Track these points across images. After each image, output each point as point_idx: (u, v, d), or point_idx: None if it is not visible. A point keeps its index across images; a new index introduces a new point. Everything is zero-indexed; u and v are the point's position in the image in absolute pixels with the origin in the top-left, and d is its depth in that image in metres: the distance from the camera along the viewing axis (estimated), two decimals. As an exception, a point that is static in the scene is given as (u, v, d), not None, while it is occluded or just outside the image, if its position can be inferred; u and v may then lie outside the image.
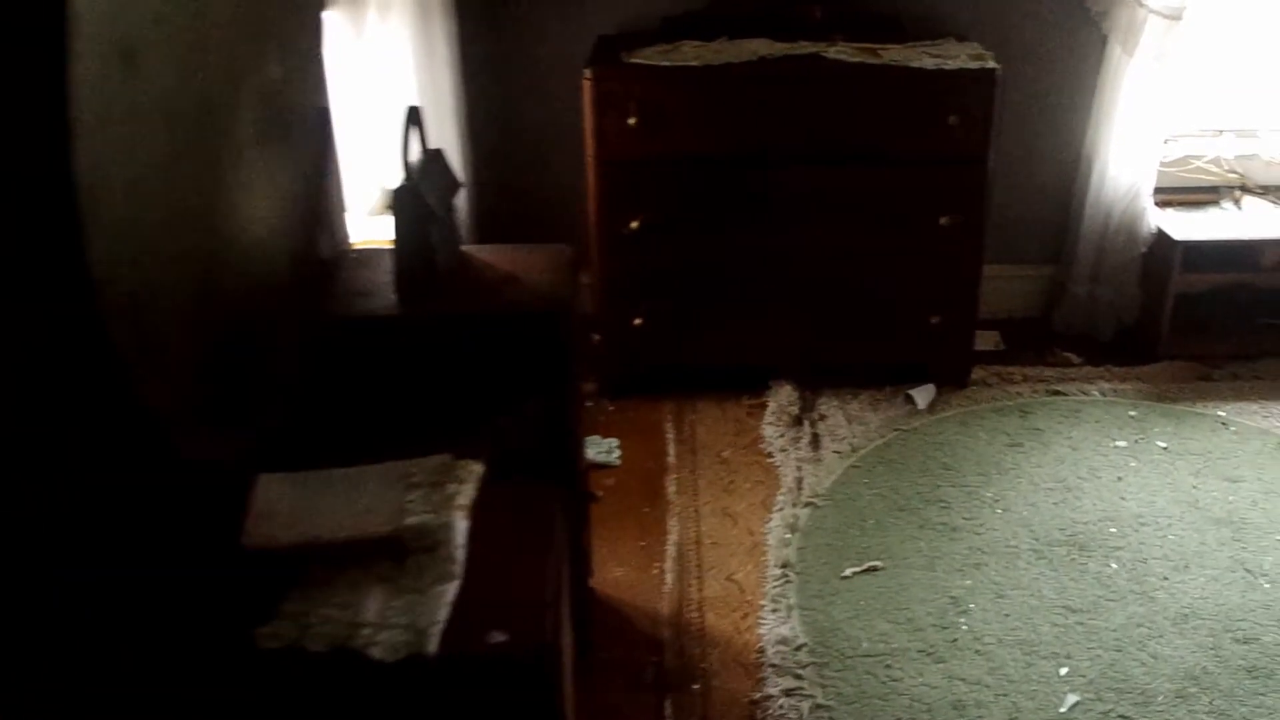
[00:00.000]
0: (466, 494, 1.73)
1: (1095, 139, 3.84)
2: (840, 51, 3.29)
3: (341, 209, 2.37)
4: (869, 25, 3.50)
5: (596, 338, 2.15)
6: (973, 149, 3.23)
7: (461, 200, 2.84)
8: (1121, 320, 4.00)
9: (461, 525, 1.68)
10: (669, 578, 2.82)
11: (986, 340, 3.93)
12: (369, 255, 2.34)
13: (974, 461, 3.25)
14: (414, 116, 2.16)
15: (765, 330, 3.44)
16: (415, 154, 2.15)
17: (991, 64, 3.21)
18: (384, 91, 3.15)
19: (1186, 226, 3.74)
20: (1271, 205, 3.96)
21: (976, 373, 3.68)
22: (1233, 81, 4.03)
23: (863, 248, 3.34)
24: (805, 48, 3.29)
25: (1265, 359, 3.86)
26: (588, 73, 3.08)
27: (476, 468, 1.80)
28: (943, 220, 3.30)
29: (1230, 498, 3.11)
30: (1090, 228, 3.89)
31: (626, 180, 3.18)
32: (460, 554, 1.63)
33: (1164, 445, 3.35)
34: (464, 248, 2.37)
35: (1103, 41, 3.73)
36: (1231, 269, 3.77)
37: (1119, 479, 3.19)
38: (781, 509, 3.04)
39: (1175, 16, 3.58)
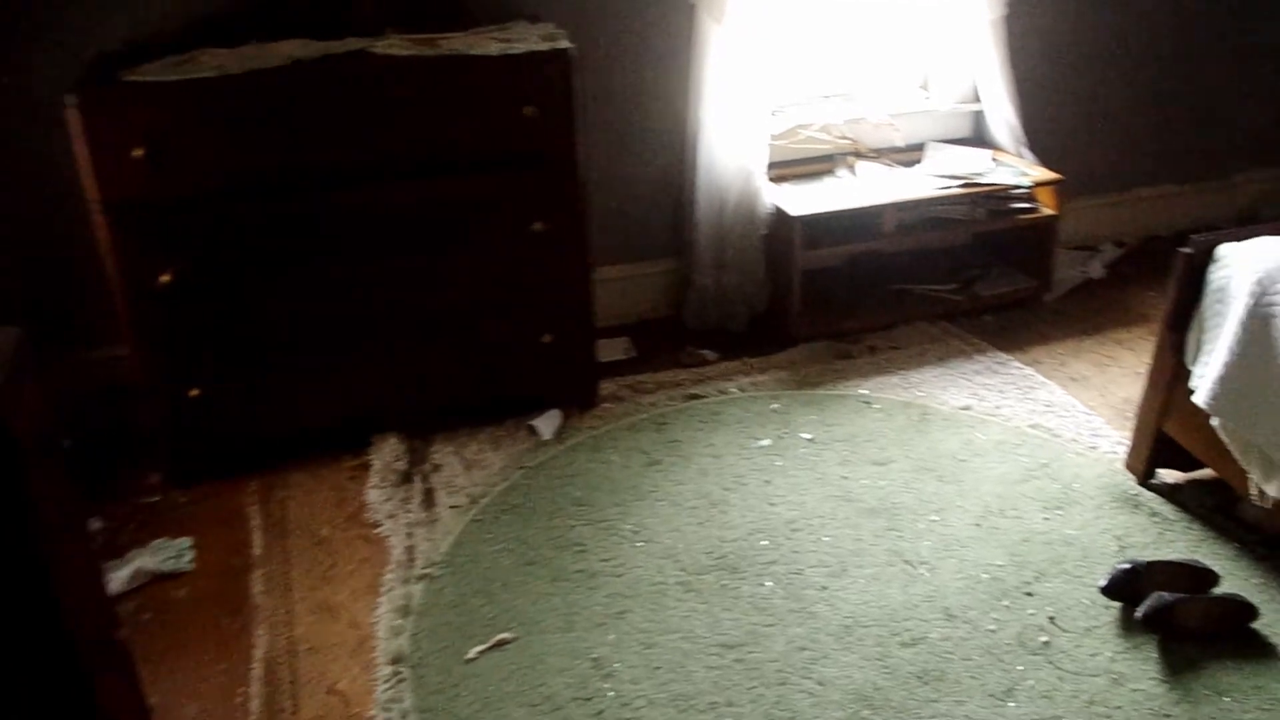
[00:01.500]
0: None
1: (698, 119, 3.63)
2: (391, 45, 2.89)
3: None
4: (428, 14, 3.13)
5: (67, 443, 1.66)
6: (557, 142, 2.92)
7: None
8: (753, 308, 3.84)
9: None
10: (255, 704, 2.34)
11: (614, 349, 3.66)
12: None
13: (609, 491, 2.95)
14: None
15: (355, 379, 3.01)
16: None
17: (564, 43, 2.90)
18: None
19: (804, 201, 3.61)
20: (885, 168, 3.89)
21: (606, 387, 3.40)
22: (830, 44, 3.93)
23: (450, 269, 2.97)
24: (349, 45, 2.86)
25: (900, 326, 3.80)
26: (71, 99, 2.53)
27: None
28: (536, 226, 2.98)
29: (881, 483, 2.96)
30: (706, 215, 3.69)
31: (144, 226, 2.67)
32: None
33: (809, 436, 3.16)
34: None
35: (691, 10, 3.51)
36: (854, 239, 3.66)
37: (766, 483, 2.97)
38: (390, 590, 2.62)
39: (761, -21, 3.40)
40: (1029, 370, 3.52)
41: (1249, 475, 2.49)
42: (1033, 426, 3.19)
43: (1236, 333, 2.42)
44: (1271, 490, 2.42)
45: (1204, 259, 2.56)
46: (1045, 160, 4.00)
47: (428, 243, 2.93)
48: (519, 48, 2.90)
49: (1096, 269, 4.31)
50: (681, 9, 3.54)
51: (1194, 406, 2.58)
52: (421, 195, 2.88)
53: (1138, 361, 3.56)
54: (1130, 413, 3.19)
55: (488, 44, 2.96)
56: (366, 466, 3.07)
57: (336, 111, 2.76)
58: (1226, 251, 2.53)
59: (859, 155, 3.98)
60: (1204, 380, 2.52)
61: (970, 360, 3.60)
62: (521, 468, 3.08)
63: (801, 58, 3.92)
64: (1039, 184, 3.83)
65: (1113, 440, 3.11)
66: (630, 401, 3.40)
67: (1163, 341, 2.71)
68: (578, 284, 3.14)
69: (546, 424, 3.26)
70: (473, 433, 3.22)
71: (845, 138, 3.97)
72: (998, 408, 3.29)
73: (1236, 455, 2.51)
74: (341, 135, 2.78)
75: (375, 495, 2.96)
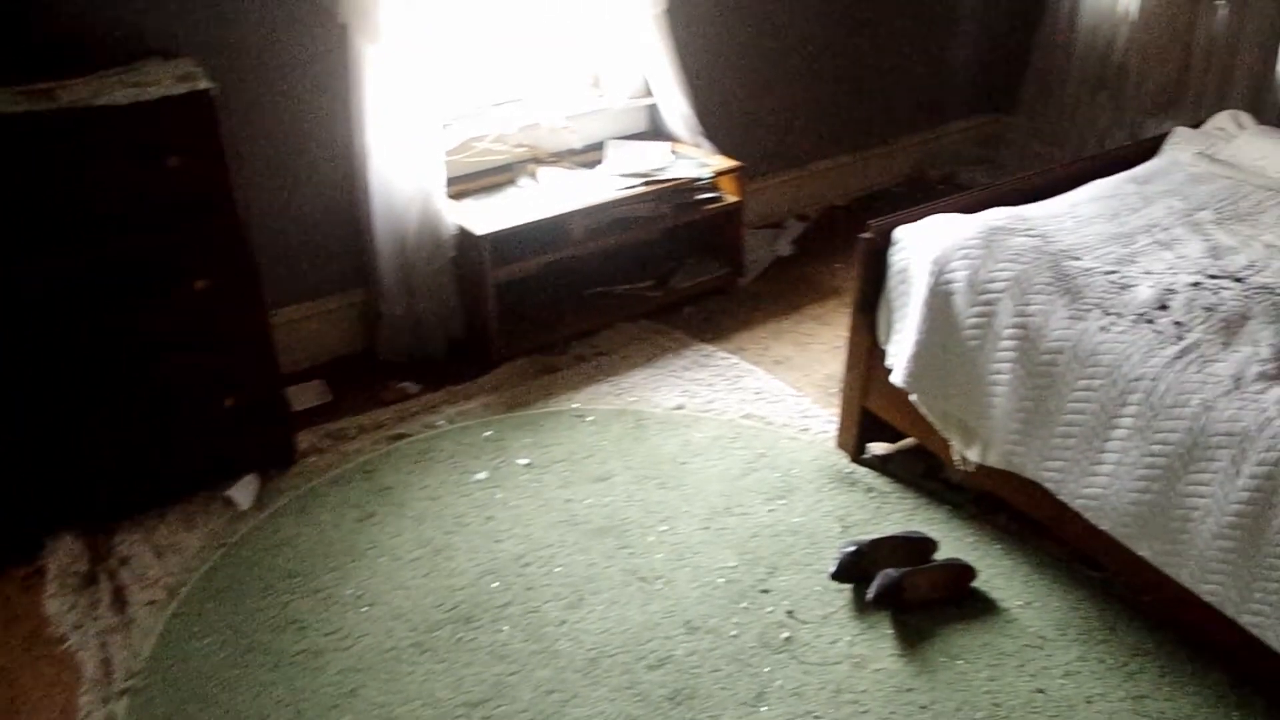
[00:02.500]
0: None
1: (365, 144, 3.47)
2: (4, 101, 2.58)
3: None
4: (42, 59, 2.83)
5: None
6: (210, 191, 2.71)
7: None
8: (450, 332, 3.72)
9: None
10: None
11: (308, 395, 3.48)
12: None
13: (323, 556, 2.78)
14: None
15: (12, 472, 2.69)
16: None
17: (203, 83, 2.68)
18: None
19: (488, 218, 3.53)
20: (566, 171, 3.86)
21: (304, 439, 3.22)
22: (496, 49, 3.85)
23: (109, 339, 2.73)
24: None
25: (603, 330, 3.79)
26: None
27: None
28: (199, 284, 2.74)
29: (605, 500, 2.93)
30: (388, 243, 3.55)
31: None
32: None
33: (526, 462, 3.09)
34: None
35: (344, 31, 3.34)
36: (544, 250, 3.60)
37: (489, 519, 2.88)
38: (89, 714, 2.36)
39: (413, -11, 3.27)
40: (734, 359, 3.57)
41: (950, 444, 2.61)
42: (745, 417, 3.24)
43: (921, 312, 2.54)
44: (972, 455, 2.54)
45: (883, 243, 2.65)
46: (724, 148, 4.08)
47: (79, 314, 2.67)
48: (152, 93, 2.66)
49: (785, 247, 4.44)
50: (334, 30, 3.37)
51: (892, 383, 2.67)
52: (64, 263, 2.61)
53: (835, 336, 3.69)
54: (835, 389, 3.30)
55: (114, 90, 2.70)
56: (41, 572, 2.78)
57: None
58: (903, 235, 2.64)
59: (538, 161, 3.93)
60: (898, 360, 2.63)
61: (677, 356, 3.62)
62: (221, 545, 2.87)
63: (467, 66, 3.82)
64: (720, 173, 3.88)
65: (823, 420, 3.20)
66: (332, 452, 3.22)
67: (855, 323, 2.81)
68: (254, 340, 2.95)
69: (243, 492, 3.05)
70: (161, 514, 2.97)
71: (522, 145, 3.90)
72: (710, 403, 3.32)
73: (937, 426, 2.64)
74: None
75: (55, 605, 2.68)
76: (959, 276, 2.54)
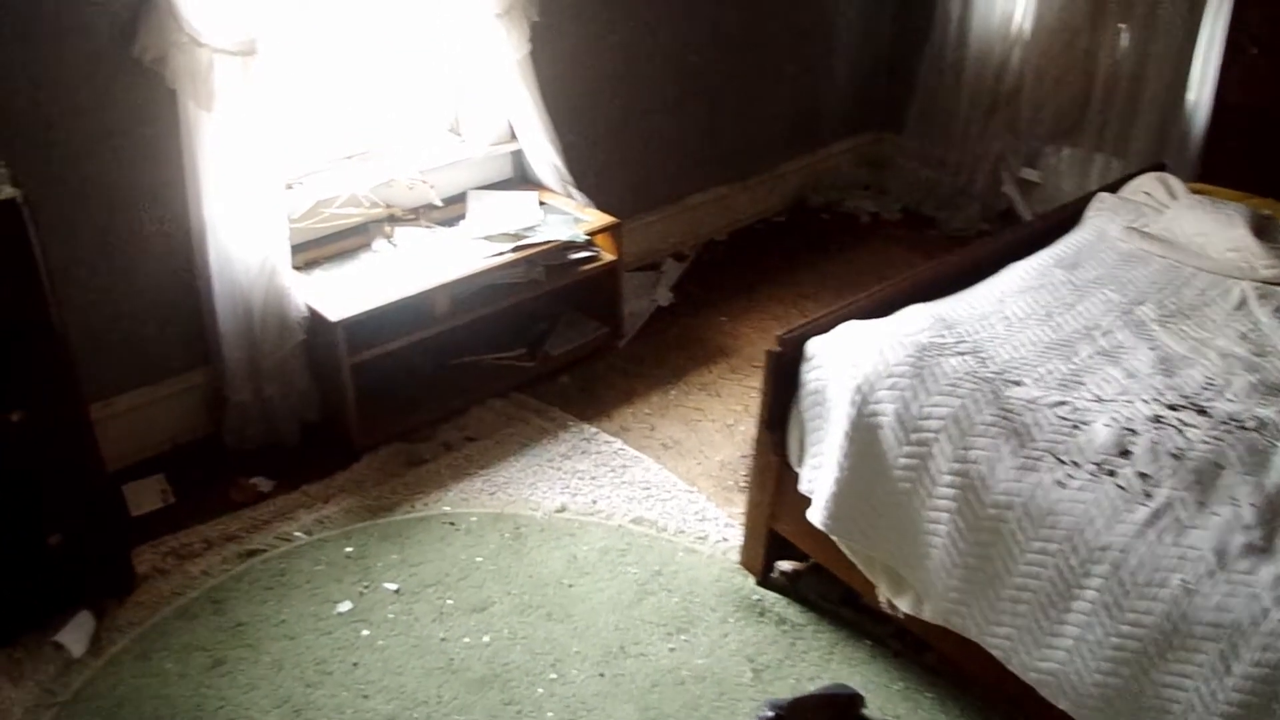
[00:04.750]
0: None
1: (201, 216, 3.21)
2: None
3: None
4: None
5: None
6: (21, 312, 2.45)
7: None
8: (304, 417, 3.49)
9: None
10: None
11: (147, 495, 3.26)
12: None
13: (169, 717, 2.54)
14: None
15: None
16: None
17: (8, 190, 2.42)
18: None
19: (342, 296, 3.33)
20: (425, 230, 3.64)
21: (144, 558, 3.00)
22: (343, 99, 3.60)
23: None
24: None
25: (471, 409, 3.59)
26: None
27: None
28: (14, 417, 2.48)
29: (485, 638, 2.76)
30: (231, 323, 3.31)
31: None
32: None
33: (394, 587, 2.91)
34: None
35: (174, 97, 3.06)
36: (406, 330, 3.40)
37: (355, 666, 2.69)
38: None
39: (248, 52, 3.01)
40: (618, 443, 3.42)
41: (877, 587, 2.49)
42: (635, 522, 3.10)
43: (843, 445, 2.38)
44: (903, 606, 2.42)
45: (793, 355, 2.50)
46: (594, 192, 3.95)
47: None
48: (-57, 205, 2.37)
49: (664, 294, 4.31)
50: (164, 96, 3.09)
51: (805, 503, 2.53)
52: None
53: (725, 410, 3.57)
54: (731, 481, 3.18)
55: (-99, 200, 2.40)
56: None
57: None
58: (817, 349, 2.49)
59: (395, 220, 3.70)
60: (816, 497, 2.49)
61: (554, 440, 3.45)
62: (53, 704, 2.63)
63: (312, 118, 3.56)
64: (596, 231, 3.70)
65: (720, 524, 3.08)
66: (176, 573, 2.99)
67: (762, 442, 2.66)
68: (81, 473, 2.68)
69: (75, 635, 2.80)
70: (-20, 667, 2.69)
71: (376, 204, 3.66)
72: (594, 502, 3.17)
73: (862, 568, 2.50)
74: None
75: None
76: (886, 410, 2.35)
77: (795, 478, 2.59)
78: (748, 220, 4.94)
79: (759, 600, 2.85)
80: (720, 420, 3.54)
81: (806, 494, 2.54)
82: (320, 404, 3.50)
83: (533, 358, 3.78)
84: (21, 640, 2.78)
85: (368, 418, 3.42)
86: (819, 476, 2.49)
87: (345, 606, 2.87)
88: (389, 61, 3.69)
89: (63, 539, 2.72)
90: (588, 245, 3.73)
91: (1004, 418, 2.23)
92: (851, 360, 2.41)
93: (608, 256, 3.79)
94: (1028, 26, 4.59)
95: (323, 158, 3.66)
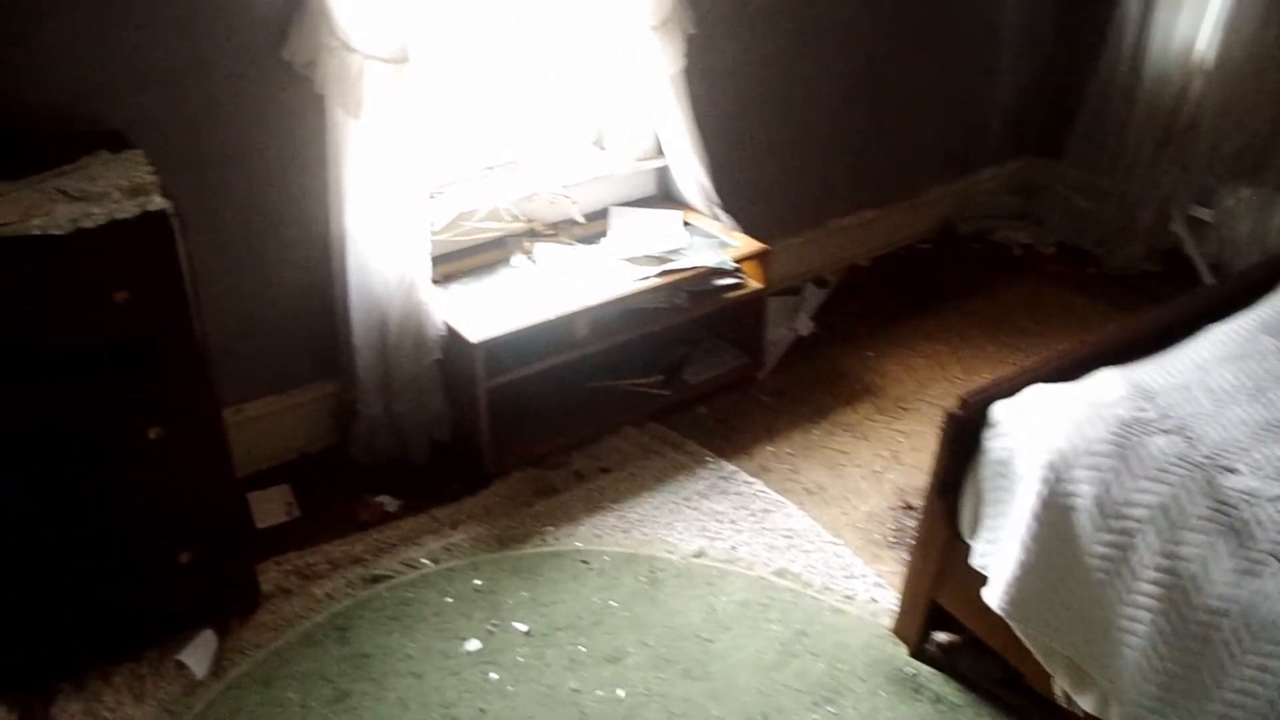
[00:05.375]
0: None
1: (341, 225, 3.14)
2: (-85, 224, 2.24)
3: None
4: None
5: None
6: (165, 328, 2.40)
7: None
8: (434, 436, 3.40)
9: None
10: None
11: (273, 507, 3.22)
12: None
13: (291, 755, 2.47)
14: None
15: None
16: None
17: (158, 201, 2.34)
18: None
19: (481, 315, 3.24)
20: (566, 247, 3.53)
21: (268, 575, 2.95)
22: (490, 109, 3.52)
23: (48, 494, 2.45)
24: None
25: (606, 437, 3.47)
26: None
27: None
28: (152, 434, 2.42)
29: (619, 692, 2.65)
30: (366, 336, 3.23)
31: None
32: None
33: (525, 629, 2.81)
34: None
35: (321, 103, 3.00)
36: (545, 354, 3.30)
37: (482, 713, 2.61)
38: None
39: (399, 60, 2.93)
40: (758, 484, 3.28)
41: (1054, 678, 2.30)
42: (777, 574, 2.96)
43: (1030, 525, 2.20)
44: (1085, 705, 2.23)
45: (976, 421, 2.33)
46: (735, 212, 3.81)
47: (12, 465, 2.34)
48: (96, 214, 2.32)
49: (804, 323, 4.16)
50: (311, 101, 3.02)
51: (974, 578, 2.36)
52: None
53: (872, 455, 3.42)
54: (878, 534, 3.05)
55: (52, 204, 2.35)
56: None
57: None
58: (1004, 415, 2.31)
59: (535, 235, 3.60)
60: (994, 580, 2.31)
61: (691, 476, 3.33)
62: (172, 728, 2.55)
63: (458, 128, 3.48)
64: (743, 258, 3.57)
65: (868, 582, 2.93)
66: (301, 595, 2.92)
67: (932, 509, 2.48)
68: (216, 491, 2.63)
69: (198, 655, 2.75)
70: (106, 677, 2.69)
71: (517, 218, 3.56)
72: (734, 549, 3.04)
73: (1039, 657, 2.31)
74: None
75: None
76: (1084, 491, 2.13)
77: (964, 548, 2.42)
78: (892, 246, 4.77)
79: (913, 674, 2.68)
80: (866, 466, 3.38)
81: (979, 570, 2.36)
82: (451, 424, 3.42)
83: (670, 386, 3.66)
84: (145, 655, 2.75)
85: (499, 441, 3.33)
86: (997, 554, 2.31)
87: (473, 645, 2.78)
88: (535, 72, 3.58)
89: (192, 557, 2.65)
90: (735, 273, 3.58)
91: (1220, 511, 2.02)
92: (1043, 431, 2.22)
93: (754, 284, 3.65)
94: (1212, 56, 4.32)
95: (465, 168, 3.56)
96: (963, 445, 2.37)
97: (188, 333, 2.47)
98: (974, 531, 2.40)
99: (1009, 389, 2.36)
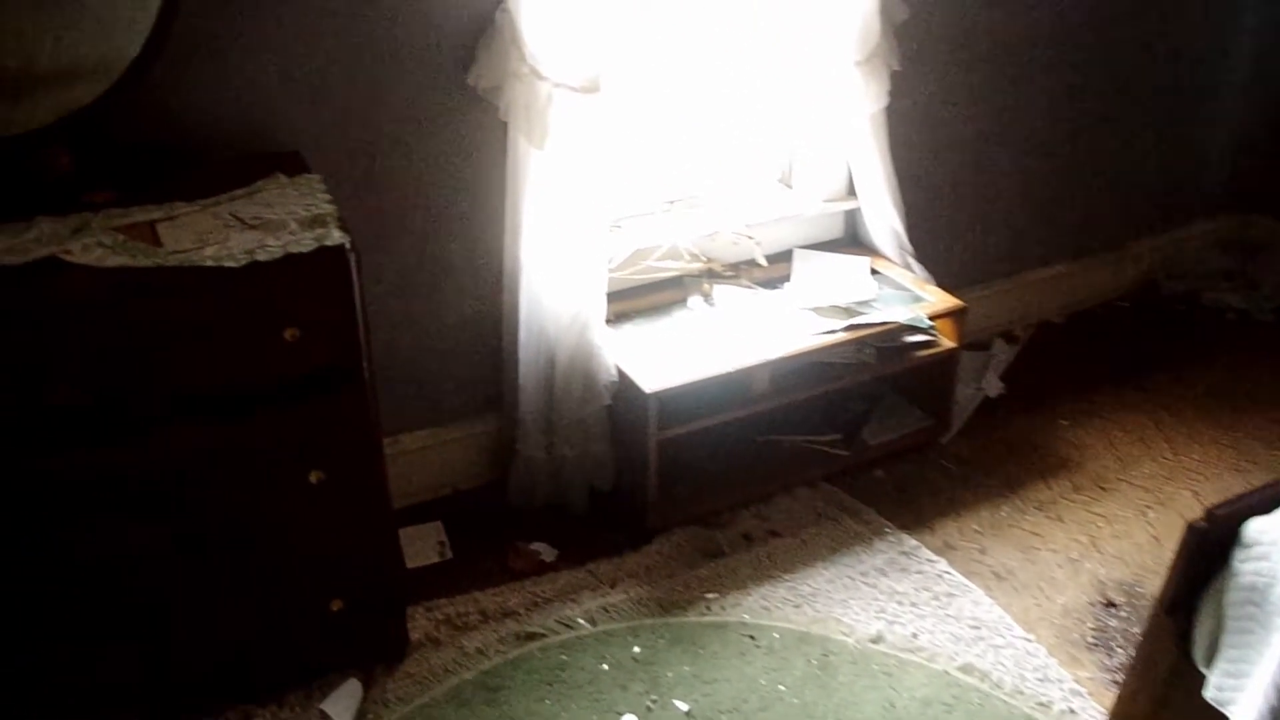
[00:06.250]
0: None
1: (516, 257, 3.03)
2: (93, 245, 2.18)
3: None
4: (149, 166, 2.49)
5: None
6: (334, 367, 2.30)
7: None
8: (595, 483, 3.26)
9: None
10: None
11: (424, 545, 3.16)
12: None
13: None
14: None
15: (83, 675, 2.38)
16: None
17: (336, 235, 2.24)
18: None
19: (656, 358, 3.12)
20: (746, 290, 3.35)
21: (417, 622, 2.87)
22: (675, 142, 3.38)
23: (200, 536, 2.38)
24: (39, 236, 2.16)
25: (775, 497, 3.30)
26: None
27: None
28: (312, 477, 2.32)
29: (787, 788, 2.42)
30: (532, 375, 3.12)
31: None
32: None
33: (686, 709, 2.66)
34: None
35: (503, 129, 2.89)
36: (720, 408, 3.14)
37: (638, 798, 2.40)
38: None
39: (590, 89, 2.80)
40: (942, 563, 3.07)
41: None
42: (963, 670, 2.74)
43: None
44: None
45: (1224, 536, 2.07)
46: (926, 258, 3.62)
47: (168, 506, 2.31)
48: (272, 247, 2.23)
49: (993, 383, 3.91)
50: (493, 127, 2.92)
51: (1207, 713, 2.11)
52: (149, 451, 2.24)
53: (1068, 539, 3.17)
54: (1077, 634, 2.82)
55: (227, 231, 2.28)
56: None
57: (14, 346, 2.05)
58: (1261, 534, 2.05)
59: (714, 275, 3.44)
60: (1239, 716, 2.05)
61: (869, 549, 3.13)
62: (312, 785, 2.44)
63: (640, 161, 3.34)
64: (938, 315, 3.35)
65: (1065, 688, 2.70)
66: (450, 647, 2.81)
67: (1157, 626, 2.24)
68: (373, 538, 2.53)
69: (341, 705, 2.67)
70: (246, 715, 2.57)
71: (697, 257, 3.40)
72: (915, 636, 2.83)
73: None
74: (21, 378, 2.06)
75: None
76: None
77: (1195, 676, 2.17)
78: (1089, 302, 4.49)
79: (1121, 807, 2.43)
80: (1062, 552, 3.13)
81: (1214, 704, 2.11)
82: (615, 472, 3.26)
83: (848, 445, 3.46)
84: (287, 699, 2.66)
85: (664, 495, 3.17)
86: (1240, 689, 2.06)
87: (631, 719, 2.61)
88: (724, 105, 3.42)
89: (344, 605, 2.55)
90: (928, 330, 3.36)
91: None
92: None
93: (946, 342, 3.42)
94: None
95: (646, 202, 3.42)
96: (1204, 561, 2.12)
97: (357, 374, 2.37)
98: (1210, 660, 2.15)
99: (1266, 503, 2.10)
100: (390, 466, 2.88)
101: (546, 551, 3.18)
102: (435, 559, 3.16)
